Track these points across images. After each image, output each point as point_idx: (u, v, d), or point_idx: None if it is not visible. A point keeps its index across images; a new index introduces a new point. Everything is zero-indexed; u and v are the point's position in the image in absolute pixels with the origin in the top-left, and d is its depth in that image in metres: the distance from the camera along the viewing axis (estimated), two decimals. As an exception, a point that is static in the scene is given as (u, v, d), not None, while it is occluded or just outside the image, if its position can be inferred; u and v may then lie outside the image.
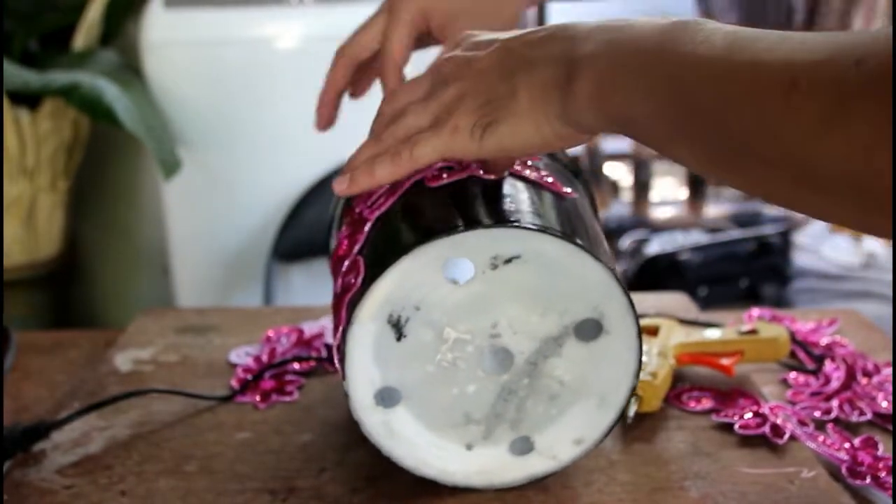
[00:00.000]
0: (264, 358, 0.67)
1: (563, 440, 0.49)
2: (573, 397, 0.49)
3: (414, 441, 0.48)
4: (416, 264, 0.45)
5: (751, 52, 0.34)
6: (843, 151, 0.30)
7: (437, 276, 0.45)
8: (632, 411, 0.56)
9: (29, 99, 1.18)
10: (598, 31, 0.42)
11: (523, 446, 0.50)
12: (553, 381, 0.48)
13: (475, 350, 0.47)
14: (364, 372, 0.47)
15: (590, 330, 0.47)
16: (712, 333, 0.65)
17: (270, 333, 0.71)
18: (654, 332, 0.65)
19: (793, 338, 0.67)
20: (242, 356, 0.68)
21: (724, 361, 0.61)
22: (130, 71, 1.27)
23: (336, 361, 0.48)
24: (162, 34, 1.26)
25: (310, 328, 0.72)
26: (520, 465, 0.50)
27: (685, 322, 0.69)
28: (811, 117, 0.31)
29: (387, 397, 0.48)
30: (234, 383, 0.64)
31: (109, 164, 1.46)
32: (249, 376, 0.64)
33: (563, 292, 0.46)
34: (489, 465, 0.49)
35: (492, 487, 0.50)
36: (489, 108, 0.44)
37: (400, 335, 0.46)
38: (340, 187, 0.49)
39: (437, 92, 0.47)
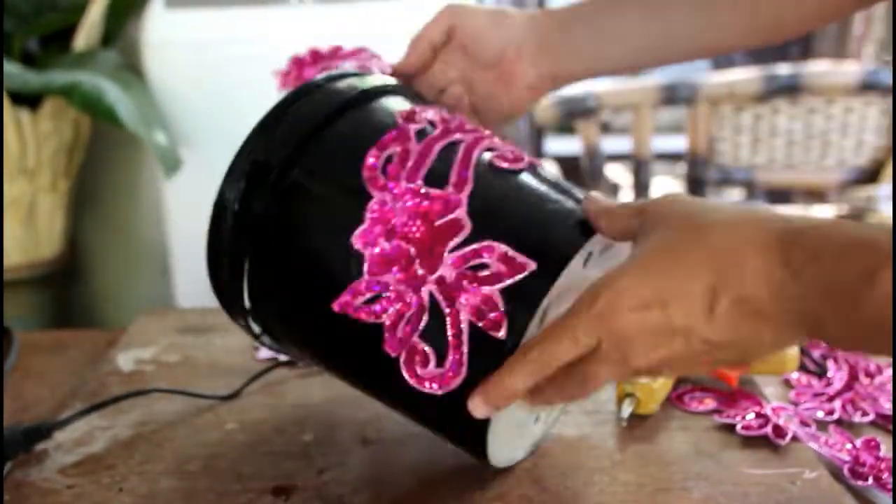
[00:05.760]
0: None
1: None
2: None
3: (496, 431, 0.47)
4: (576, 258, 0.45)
5: None
6: None
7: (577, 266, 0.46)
8: (626, 412, 0.56)
9: (29, 99, 1.18)
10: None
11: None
12: None
13: None
14: None
15: None
16: None
17: None
18: None
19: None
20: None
21: (728, 371, 0.61)
22: (131, 71, 1.27)
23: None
24: (162, 34, 1.26)
25: None
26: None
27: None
28: None
29: None
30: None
31: (109, 164, 1.45)
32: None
33: None
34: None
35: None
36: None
37: None
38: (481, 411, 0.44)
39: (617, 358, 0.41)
